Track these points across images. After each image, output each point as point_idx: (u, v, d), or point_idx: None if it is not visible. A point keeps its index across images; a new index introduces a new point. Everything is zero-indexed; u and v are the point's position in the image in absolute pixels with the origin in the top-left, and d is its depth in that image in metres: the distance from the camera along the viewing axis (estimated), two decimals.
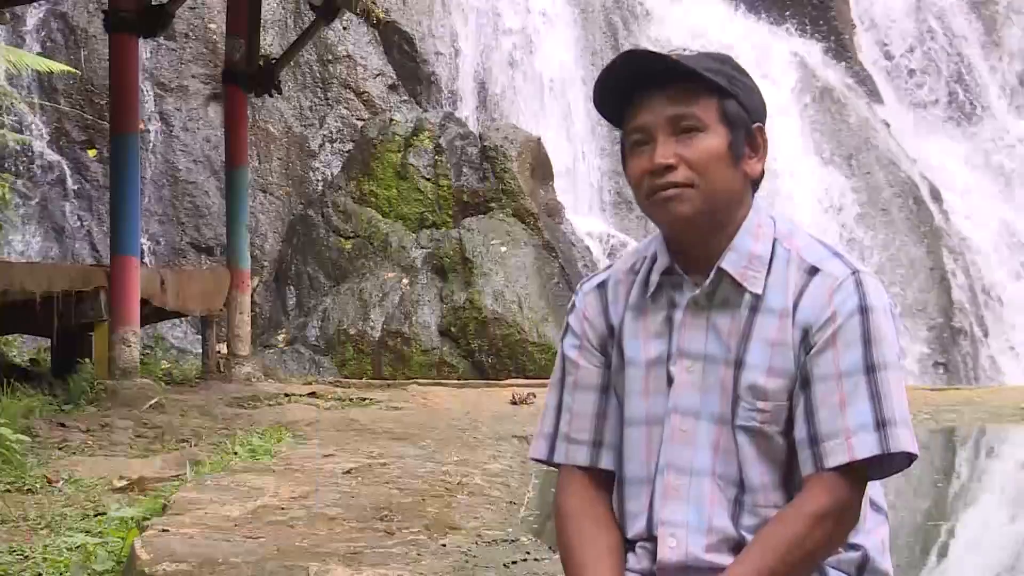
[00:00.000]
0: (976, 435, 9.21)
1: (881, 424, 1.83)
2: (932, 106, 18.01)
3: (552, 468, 2.11)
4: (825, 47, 17.64)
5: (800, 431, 1.87)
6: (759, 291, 1.90)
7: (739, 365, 1.90)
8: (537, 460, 2.10)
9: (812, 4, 17.76)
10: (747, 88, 1.95)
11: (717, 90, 1.91)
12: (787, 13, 17.72)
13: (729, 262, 1.92)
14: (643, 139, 1.92)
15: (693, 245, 1.94)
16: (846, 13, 18.05)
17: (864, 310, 1.86)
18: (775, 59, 16.83)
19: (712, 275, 1.92)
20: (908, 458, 1.89)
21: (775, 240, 1.94)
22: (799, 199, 15.39)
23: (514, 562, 3.81)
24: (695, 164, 1.89)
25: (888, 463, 1.90)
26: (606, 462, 2.02)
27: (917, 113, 17.98)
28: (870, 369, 1.85)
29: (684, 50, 1.97)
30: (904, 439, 1.85)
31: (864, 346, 1.85)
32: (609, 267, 2.11)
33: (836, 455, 1.83)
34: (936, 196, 16.15)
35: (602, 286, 2.06)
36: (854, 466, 1.84)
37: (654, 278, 1.98)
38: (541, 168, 14.18)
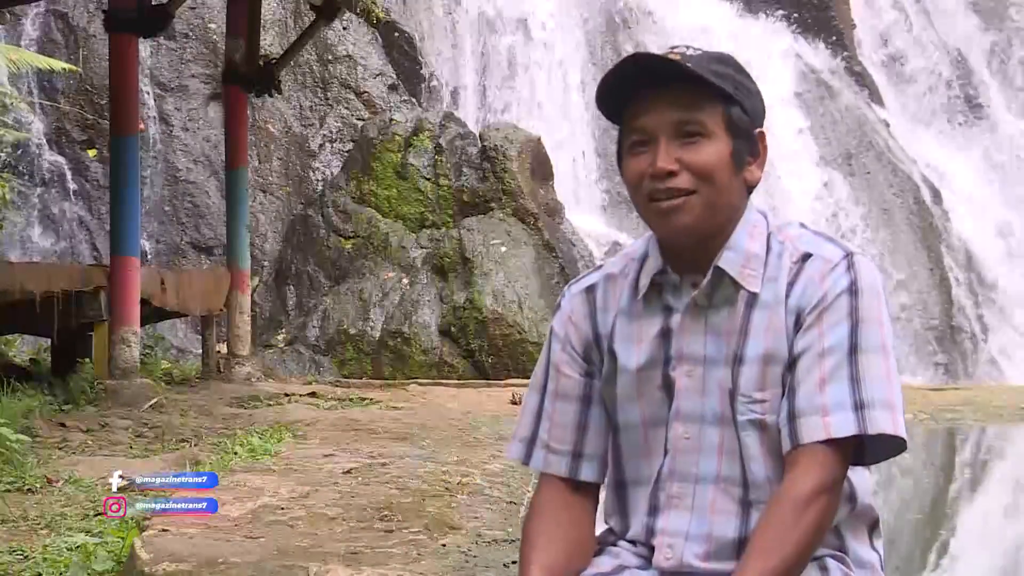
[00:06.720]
0: (976, 435, 9.21)
1: (859, 405, 1.80)
2: (932, 105, 18.01)
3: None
4: (825, 46, 17.64)
5: (782, 409, 1.85)
6: (757, 290, 1.88)
7: (737, 361, 1.88)
8: (515, 459, 2.09)
9: (812, 3, 17.76)
10: (750, 93, 1.92)
11: (723, 96, 1.88)
12: (787, 12, 17.72)
13: (727, 261, 1.89)
14: (643, 140, 1.89)
15: (689, 249, 1.92)
16: (846, 12, 18.05)
17: (853, 291, 1.84)
18: (775, 58, 16.84)
19: (710, 275, 1.89)
20: (897, 444, 1.85)
21: (769, 235, 1.92)
22: (798, 199, 15.39)
23: (514, 562, 3.81)
24: (698, 171, 1.86)
25: (874, 448, 1.86)
26: (586, 474, 2.00)
27: (917, 112, 17.98)
28: (854, 349, 1.82)
29: (687, 48, 1.93)
30: (883, 421, 1.80)
31: (850, 326, 1.82)
32: (598, 268, 2.07)
33: (812, 431, 1.80)
34: (936, 196, 16.16)
35: (591, 290, 2.03)
36: (833, 444, 1.80)
37: (644, 280, 1.95)
38: (541, 168, 14.18)
